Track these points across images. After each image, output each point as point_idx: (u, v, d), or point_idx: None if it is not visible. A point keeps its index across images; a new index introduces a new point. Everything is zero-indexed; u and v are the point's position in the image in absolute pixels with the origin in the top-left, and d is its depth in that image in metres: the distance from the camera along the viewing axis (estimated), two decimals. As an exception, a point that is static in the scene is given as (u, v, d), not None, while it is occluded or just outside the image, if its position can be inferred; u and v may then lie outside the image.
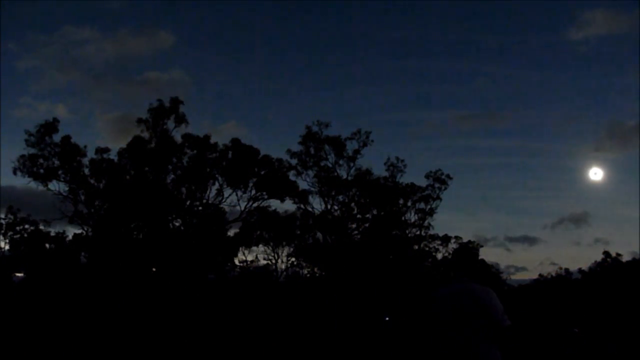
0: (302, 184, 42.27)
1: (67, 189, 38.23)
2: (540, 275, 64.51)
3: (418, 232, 46.73)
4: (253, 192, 40.65)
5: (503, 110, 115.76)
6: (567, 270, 61.87)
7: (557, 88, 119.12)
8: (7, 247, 43.19)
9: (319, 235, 43.30)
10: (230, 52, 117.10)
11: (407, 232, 46.00)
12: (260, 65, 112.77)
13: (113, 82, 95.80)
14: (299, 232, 43.67)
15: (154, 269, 38.79)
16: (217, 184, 40.18)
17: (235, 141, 40.37)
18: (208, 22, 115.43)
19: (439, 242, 50.93)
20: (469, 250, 5.16)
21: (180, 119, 39.00)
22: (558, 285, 58.13)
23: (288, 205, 43.01)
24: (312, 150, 42.24)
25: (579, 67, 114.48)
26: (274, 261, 44.29)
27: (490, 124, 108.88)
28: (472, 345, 3.74)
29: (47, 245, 42.28)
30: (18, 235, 43.06)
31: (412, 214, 45.90)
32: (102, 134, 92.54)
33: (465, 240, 53.11)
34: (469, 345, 3.75)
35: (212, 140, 40.12)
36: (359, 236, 43.75)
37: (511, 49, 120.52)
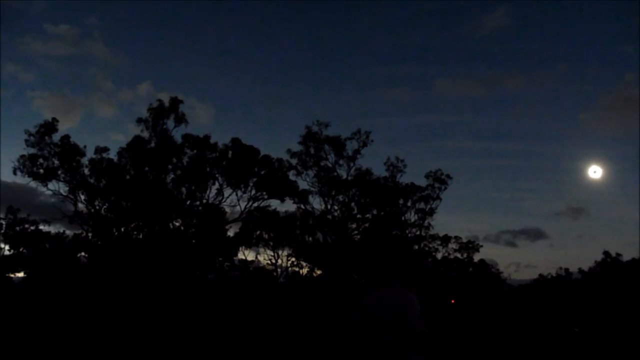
0: (302, 184, 42.27)
1: (67, 188, 38.24)
2: (540, 275, 64.67)
3: (418, 232, 46.74)
4: (253, 192, 40.65)
5: (501, 109, 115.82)
6: (567, 270, 62.01)
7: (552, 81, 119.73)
8: (7, 247, 43.22)
9: (319, 235, 43.24)
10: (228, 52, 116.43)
11: (407, 232, 45.97)
12: (261, 65, 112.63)
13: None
14: (299, 232, 43.58)
15: (154, 269, 38.76)
16: (217, 183, 40.20)
17: (236, 141, 40.36)
18: (201, 26, 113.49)
19: (438, 242, 51.03)
20: (395, 252, 5.09)
21: (180, 119, 39.00)
22: (558, 285, 58.22)
23: (288, 205, 42.99)
24: (312, 150, 42.18)
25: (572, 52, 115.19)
26: (273, 261, 44.31)
27: (489, 123, 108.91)
28: (392, 352, 3.73)
29: (47, 245, 42.27)
30: (18, 235, 43.07)
31: (412, 214, 45.91)
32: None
33: (465, 240, 53.24)
34: (389, 352, 3.74)
35: (212, 140, 40.22)
36: (359, 236, 43.68)
37: (510, 50, 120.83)
